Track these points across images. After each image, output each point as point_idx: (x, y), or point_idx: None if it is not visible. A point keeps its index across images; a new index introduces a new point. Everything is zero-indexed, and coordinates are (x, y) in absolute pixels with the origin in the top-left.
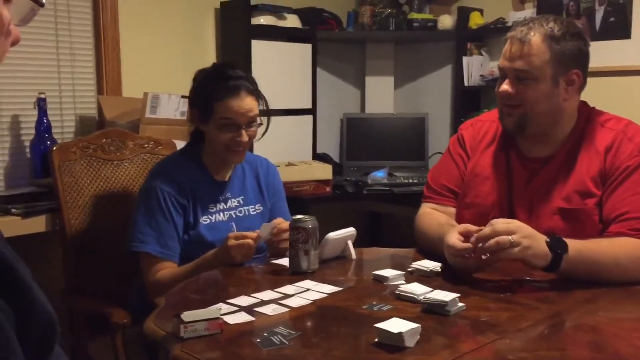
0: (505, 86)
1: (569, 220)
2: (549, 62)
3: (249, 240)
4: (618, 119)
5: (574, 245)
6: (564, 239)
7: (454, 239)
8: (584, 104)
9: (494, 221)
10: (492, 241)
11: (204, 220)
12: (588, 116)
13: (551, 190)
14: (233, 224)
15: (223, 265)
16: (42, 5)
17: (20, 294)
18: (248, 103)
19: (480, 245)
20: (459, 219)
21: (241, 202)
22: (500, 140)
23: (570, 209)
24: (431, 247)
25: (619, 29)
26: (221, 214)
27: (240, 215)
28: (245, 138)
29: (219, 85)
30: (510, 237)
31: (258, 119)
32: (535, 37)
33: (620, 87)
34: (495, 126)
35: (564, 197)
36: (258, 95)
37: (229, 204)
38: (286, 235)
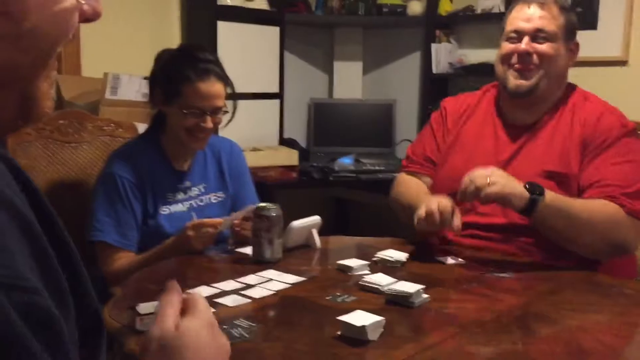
0: (524, 45)
1: (553, 183)
2: (562, 28)
3: (209, 229)
4: (598, 98)
5: (551, 194)
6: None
7: (423, 210)
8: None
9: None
10: (468, 182)
11: (163, 210)
12: (571, 90)
13: (537, 155)
14: (193, 214)
15: (182, 253)
16: None
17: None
18: (217, 89)
19: (461, 191)
20: (440, 187)
21: (202, 190)
22: (485, 110)
23: (555, 172)
24: (402, 213)
25: (585, 20)
26: (180, 204)
27: (202, 204)
28: (210, 125)
29: (188, 67)
30: (487, 177)
31: (225, 106)
32: (552, 3)
33: (586, 78)
34: (477, 99)
35: (548, 161)
36: (226, 81)
37: (189, 193)
38: (248, 225)
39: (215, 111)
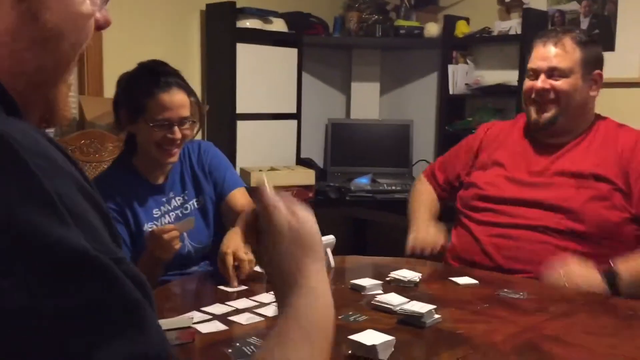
0: (540, 82)
1: (587, 192)
2: (578, 62)
3: (163, 236)
4: (631, 127)
5: (626, 268)
6: (615, 266)
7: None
8: (599, 114)
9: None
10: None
11: (150, 227)
12: (604, 119)
13: (569, 169)
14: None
15: (159, 263)
16: None
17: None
18: (180, 99)
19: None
20: (466, 194)
21: (185, 198)
22: (517, 134)
23: (589, 183)
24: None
25: (603, 41)
26: (166, 216)
27: (187, 212)
28: (178, 135)
29: (149, 81)
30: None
31: (192, 117)
32: (567, 40)
33: (604, 99)
34: (511, 124)
35: (582, 174)
36: (189, 92)
37: (172, 203)
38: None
39: (182, 121)
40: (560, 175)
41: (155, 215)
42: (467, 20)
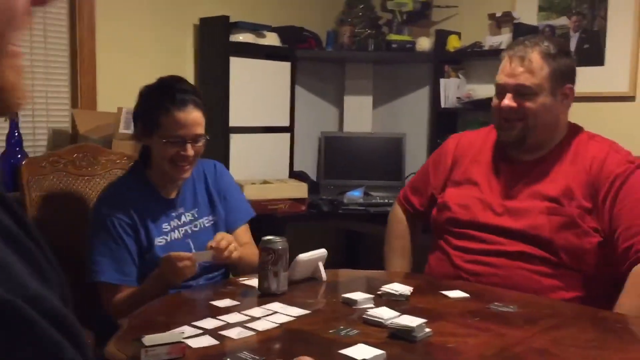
0: (507, 101)
1: (557, 219)
2: (547, 78)
3: (184, 263)
4: (604, 137)
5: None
6: None
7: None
8: (572, 123)
9: None
10: None
11: (159, 241)
12: (576, 131)
13: (540, 191)
14: (189, 240)
15: (167, 286)
16: None
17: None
18: (194, 117)
19: None
20: (439, 217)
21: (195, 215)
22: (489, 148)
23: (559, 209)
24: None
25: (592, 56)
26: (176, 231)
27: (196, 229)
28: (191, 152)
29: (165, 98)
30: None
31: (206, 134)
32: (534, 54)
33: (593, 113)
34: (483, 135)
35: (553, 198)
36: (204, 110)
37: (182, 219)
38: (227, 251)
39: (195, 139)
40: (531, 199)
41: (164, 230)
42: (458, 34)
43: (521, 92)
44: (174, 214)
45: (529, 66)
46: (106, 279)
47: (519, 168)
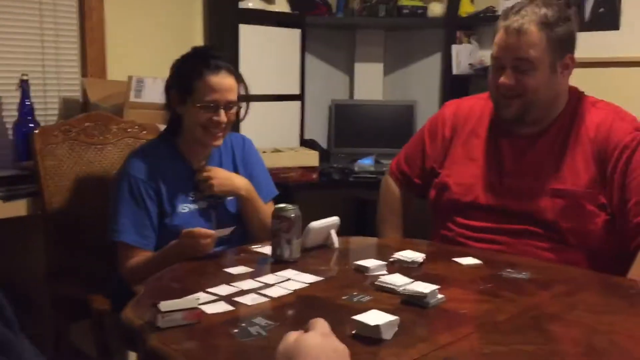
0: (504, 78)
1: (561, 202)
2: (546, 50)
3: (204, 240)
4: (608, 102)
5: None
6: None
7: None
8: (573, 87)
9: None
10: None
11: (182, 209)
12: (578, 98)
13: (542, 169)
14: (212, 211)
15: (185, 257)
16: None
17: None
18: (228, 82)
19: None
20: (439, 199)
21: None
22: (489, 120)
23: (563, 190)
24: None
25: (608, 20)
26: (200, 202)
27: (220, 200)
28: (224, 118)
29: (200, 64)
30: None
31: (238, 102)
32: (531, 26)
33: (609, 78)
34: (482, 105)
35: (554, 176)
36: (238, 77)
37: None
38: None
39: (228, 105)
40: (534, 178)
41: (189, 198)
42: None
43: (519, 67)
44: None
45: (526, 39)
46: (125, 239)
47: (519, 143)
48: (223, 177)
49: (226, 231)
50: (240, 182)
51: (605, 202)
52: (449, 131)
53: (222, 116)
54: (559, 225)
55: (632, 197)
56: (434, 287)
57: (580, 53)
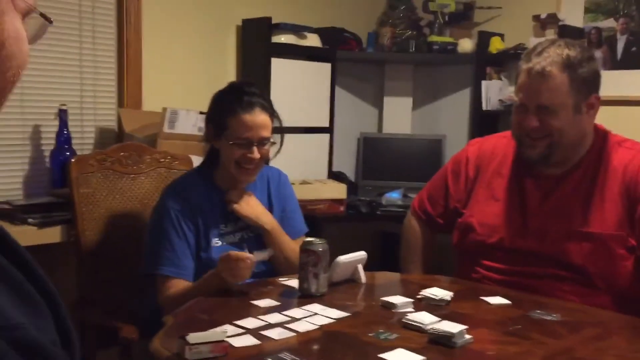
0: (530, 121)
1: (589, 245)
2: (569, 92)
3: (240, 263)
4: (634, 141)
5: None
6: None
7: None
8: (599, 125)
9: None
10: None
11: (216, 242)
12: (604, 137)
13: (567, 211)
14: (245, 245)
15: (222, 286)
16: (51, 22)
17: None
18: (262, 119)
19: None
20: (463, 241)
21: None
22: (513, 159)
23: (590, 232)
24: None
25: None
26: (232, 235)
27: (252, 234)
28: (257, 155)
29: (234, 101)
30: None
31: (271, 138)
32: (554, 69)
33: (629, 117)
34: (505, 144)
35: (581, 219)
36: (272, 113)
37: (239, 223)
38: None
39: (262, 142)
40: (559, 220)
41: (222, 232)
42: (501, 36)
43: (543, 110)
44: (232, 217)
45: (548, 84)
46: (164, 271)
47: (544, 184)
48: (249, 202)
49: (264, 254)
50: (265, 215)
51: (635, 244)
52: (473, 171)
53: (255, 153)
54: (586, 269)
55: None
56: (461, 327)
57: (611, 91)
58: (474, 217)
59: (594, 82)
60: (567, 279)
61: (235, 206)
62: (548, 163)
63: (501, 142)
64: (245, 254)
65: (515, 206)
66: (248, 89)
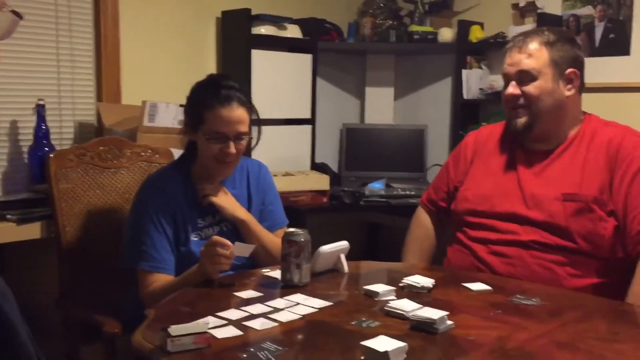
0: (510, 89)
1: (572, 205)
2: (547, 64)
3: (219, 250)
4: (618, 123)
5: None
6: None
7: None
8: (587, 113)
9: None
10: None
11: (194, 237)
12: (591, 120)
13: (555, 179)
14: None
15: (206, 277)
16: (21, 18)
17: (10, 342)
18: (239, 114)
19: None
20: (456, 209)
21: None
22: (506, 140)
23: (574, 194)
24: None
25: (618, 46)
26: (210, 228)
27: (230, 228)
28: (233, 150)
29: (211, 94)
30: None
31: (249, 132)
32: (533, 43)
33: (619, 103)
34: (500, 130)
35: (568, 184)
36: (250, 108)
37: (217, 216)
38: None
39: (238, 137)
40: (547, 187)
41: (199, 225)
42: (481, 25)
43: (523, 78)
44: (210, 211)
45: (527, 52)
46: (144, 266)
47: (535, 157)
48: (224, 194)
49: (245, 249)
50: (239, 207)
51: (613, 209)
52: (470, 154)
53: (232, 148)
54: (570, 230)
55: (636, 207)
56: (443, 313)
57: (590, 78)
58: (469, 189)
59: (572, 60)
60: (552, 248)
61: (212, 198)
62: (531, 134)
63: (497, 129)
64: (227, 241)
65: (507, 177)
66: (225, 82)
